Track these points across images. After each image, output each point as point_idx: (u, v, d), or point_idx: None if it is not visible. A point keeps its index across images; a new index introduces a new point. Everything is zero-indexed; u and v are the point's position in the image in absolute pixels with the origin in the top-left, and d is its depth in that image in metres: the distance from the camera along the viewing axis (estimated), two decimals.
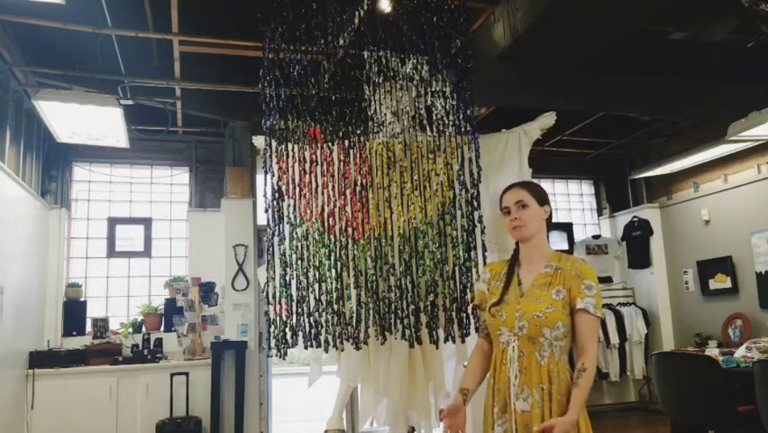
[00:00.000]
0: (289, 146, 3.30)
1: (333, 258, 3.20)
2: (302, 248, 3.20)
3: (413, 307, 3.15)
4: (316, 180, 3.28)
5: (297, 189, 3.25)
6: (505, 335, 2.05)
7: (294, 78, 3.31)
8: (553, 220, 7.21)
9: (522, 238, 2.14)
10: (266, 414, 5.71)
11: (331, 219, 3.23)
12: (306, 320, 3.14)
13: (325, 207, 3.24)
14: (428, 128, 3.40)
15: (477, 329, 3.09)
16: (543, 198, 2.18)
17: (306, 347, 3.17)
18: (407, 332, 3.15)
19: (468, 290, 3.18)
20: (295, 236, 3.21)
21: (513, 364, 2.00)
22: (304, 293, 3.12)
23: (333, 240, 3.21)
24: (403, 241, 3.23)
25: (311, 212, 3.23)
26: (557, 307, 1.98)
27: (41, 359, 5.12)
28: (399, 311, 3.17)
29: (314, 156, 3.30)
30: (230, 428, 5.34)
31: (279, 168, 3.27)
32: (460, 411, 2.08)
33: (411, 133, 3.40)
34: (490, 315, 2.10)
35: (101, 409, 5.13)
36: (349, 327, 3.15)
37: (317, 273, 3.18)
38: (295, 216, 3.22)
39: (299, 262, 3.19)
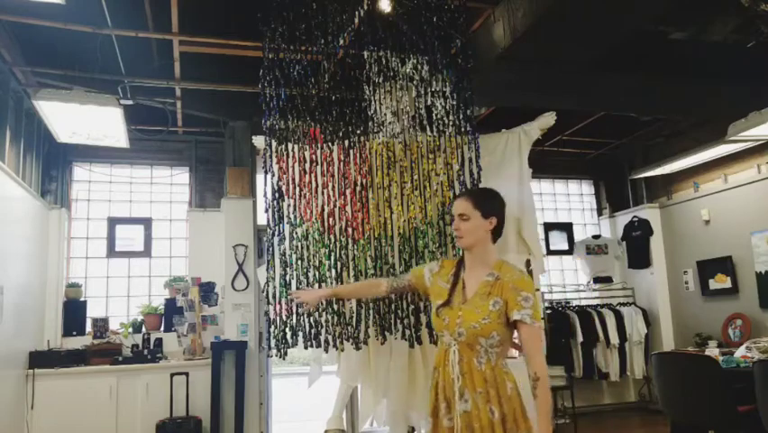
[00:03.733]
0: (289, 146, 3.30)
1: (333, 258, 3.20)
2: (302, 248, 3.20)
3: (413, 307, 3.16)
4: (316, 180, 3.28)
5: (297, 189, 3.25)
6: (446, 337, 2.17)
7: (294, 78, 3.32)
8: (554, 220, 7.16)
9: (462, 247, 2.24)
10: (266, 414, 5.71)
11: (331, 219, 3.23)
12: (306, 320, 3.14)
13: (325, 207, 3.24)
14: (428, 128, 3.41)
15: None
16: (489, 210, 2.20)
17: (306, 347, 3.18)
18: (407, 332, 3.16)
19: None
20: (295, 236, 3.21)
21: (454, 367, 2.12)
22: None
23: (333, 240, 3.21)
24: (403, 241, 3.24)
25: (311, 212, 3.23)
26: (492, 318, 2.07)
27: (41, 359, 5.12)
28: (399, 311, 3.17)
29: (314, 156, 3.31)
30: (230, 428, 5.34)
31: (280, 168, 3.27)
32: (312, 292, 2.69)
33: (411, 133, 3.40)
34: (436, 315, 2.22)
35: (101, 409, 5.13)
36: (349, 327, 3.15)
37: (317, 273, 3.18)
38: (295, 216, 3.22)
39: (299, 262, 3.19)
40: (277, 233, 3.21)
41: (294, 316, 3.15)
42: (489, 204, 2.22)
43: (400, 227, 3.25)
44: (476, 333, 2.08)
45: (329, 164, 3.30)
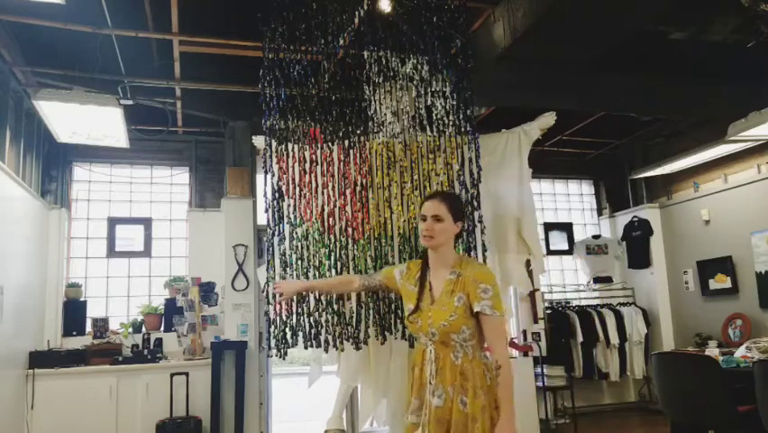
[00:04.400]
0: (289, 146, 3.30)
1: (333, 258, 3.20)
2: (302, 248, 3.20)
3: None
4: (316, 180, 3.28)
5: (297, 189, 3.25)
6: (422, 338, 2.28)
7: (294, 78, 3.31)
8: (554, 220, 7.18)
9: (430, 247, 2.32)
10: (266, 414, 5.71)
11: (331, 219, 3.23)
12: (306, 320, 3.14)
13: (325, 207, 3.24)
14: (428, 128, 3.41)
15: None
16: (459, 214, 2.32)
17: (305, 347, 3.18)
18: (407, 332, 3.15)
19: None
20: (295, 236, 3.21)
21: (431, 366, 2.22)
22: (304, 293, 3.12)
23: (333, 240, 3.21)
24: (403, 241, 3.24)
25: (311, 212, 3.23)
26: (459, 313, 2.16)
27: (41, 359, 5.11)
28: (399, 311, 3.17)
29: (314, 156, 3.30)
30: (230, 428, 5.34)
31: (280, 168, 3.27)
32: (290, 284, 2.80)
33: (411, 133, 3.40)
34: (409, 321, 2.32)
35: (101, 409, 5.13)
36: (349, 327, 3.15)
37: (317, 273, 3.18)
38: (295, 216, 3.22)
39: (299, 262, 3.19)
40: (277, 233, 3.21)
41: (294, 316, 3.15)
42: (460, 209, 2.36)
43: (400, 227, 3.25)
44: (446, 330, 2.17)
45: (329, 164, 3.30)
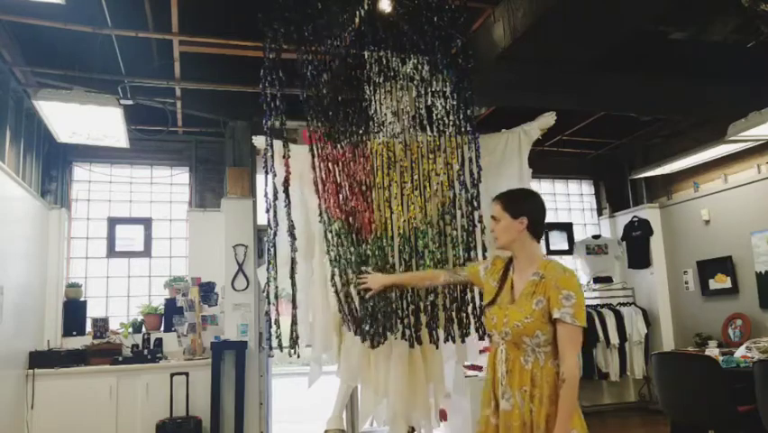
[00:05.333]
0: (314, 146, 3.28)
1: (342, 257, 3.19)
2: (338, 245, 3.16)
3: (413, 307, 3.15)
4: (336, 179, 3.26)
5: (323, 187, 3.22)
6: (495, 336, 2.22)
7: (308, 78, 3.30)
8: (554, 220, 7.16)
9: (499, 247, 2.30)
10: (266, 414, 5.71)
11: (351, 218, 3.21)
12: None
13: (343, 206, 3.22)
14: (428, 128, 3.41)
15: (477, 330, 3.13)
16: (518, 211, 2.23)
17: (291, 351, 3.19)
18: (407, 332, 3.15)
19: (468, 289, 3.18)
20: (330, 233, 3.18)
21: (501, 366, 2.16)
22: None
23: (351, 240, 3.19)
24: (403, 241, 3.23)
25: (339, 210, 3.20)
26: (536, 316, 2.07)
27: (41, 359, 5.11)
28: (399, 311, 3.16)
29: (330, 155, 3.29)
30: (230, 428, 5.34)
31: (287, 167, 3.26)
32: (377, 278, 2.91)
33: (411, 133, 3.40)
34: (485, 316, 2.29)
35: (101, 409, 5.13)
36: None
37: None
38: (328, 216, 3.20)
39: (338, 261, 3.15)
40: (334, 232, 3.18)
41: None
42: (517, 205, 2.25)
43: (400, 227, 3.25)
44: (520, 332, 2.09)
45: (335, 164, 3.29)
